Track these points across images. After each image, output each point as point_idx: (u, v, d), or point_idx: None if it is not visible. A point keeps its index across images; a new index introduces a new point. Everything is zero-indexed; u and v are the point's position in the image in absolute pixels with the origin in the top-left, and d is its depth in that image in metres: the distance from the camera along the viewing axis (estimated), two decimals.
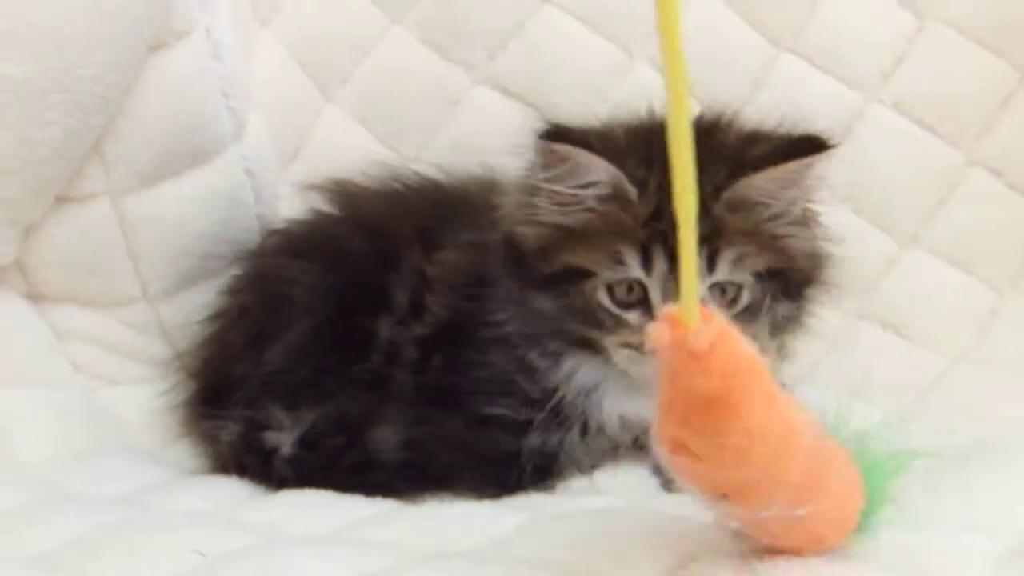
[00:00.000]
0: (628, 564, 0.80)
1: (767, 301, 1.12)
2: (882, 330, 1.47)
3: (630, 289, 1.09)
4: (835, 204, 1.24)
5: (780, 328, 1.15)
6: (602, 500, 1.07)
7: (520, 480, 1.13)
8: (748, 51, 1.52)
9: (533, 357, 1.14)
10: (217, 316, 1.26)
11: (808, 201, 1.13)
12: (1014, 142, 1.51)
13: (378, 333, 1.20)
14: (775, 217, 1.11)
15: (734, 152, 1.10)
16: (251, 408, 1.18)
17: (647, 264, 1.07)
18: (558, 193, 1.09)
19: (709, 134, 1.11)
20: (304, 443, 1.14)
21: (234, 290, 1.26)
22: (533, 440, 1.14)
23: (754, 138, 1.13)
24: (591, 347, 1.11)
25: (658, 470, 1.10)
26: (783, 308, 1.14)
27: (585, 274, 1.09)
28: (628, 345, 1.09)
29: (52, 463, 1.15)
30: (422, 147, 1.47)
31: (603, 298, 1.09)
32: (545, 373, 1.14)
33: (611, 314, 1.09)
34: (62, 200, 1.24)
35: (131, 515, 1.01)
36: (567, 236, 1.10)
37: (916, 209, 1.51)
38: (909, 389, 1.39)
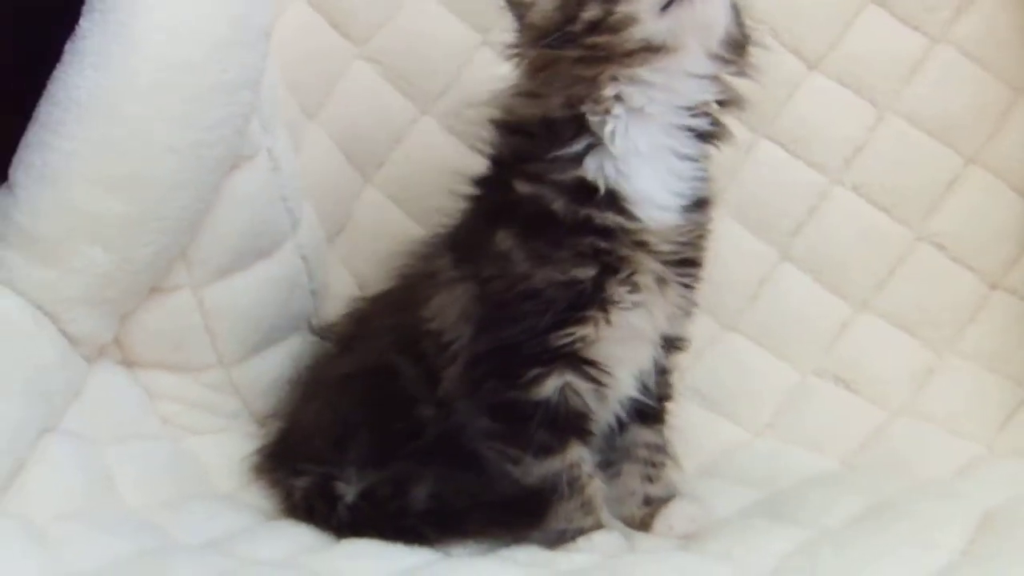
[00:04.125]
0: None
1: None
2: (835, 385, 1.82)
3: None
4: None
5: (743, 36, 1.47)
6: (585, 557, 1.40)
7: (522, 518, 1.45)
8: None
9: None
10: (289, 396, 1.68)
11: None
12: (957, 221, 1.86)
13: (422, 412, 1.53)
14: None
15: None
16: (326, 464, 1.53)
17: None
18: None
19: None
20: (364, 495, 1.49)
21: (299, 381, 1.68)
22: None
23: None
24: None
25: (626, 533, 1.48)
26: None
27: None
28: None
29: (152, 508, 1.50)
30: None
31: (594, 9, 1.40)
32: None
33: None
34: (153, 291, 1.60)
35: (228, 565, 1.36)
36: None
37: (869, 278, 1.86)
38: (852, 441, 1.75)
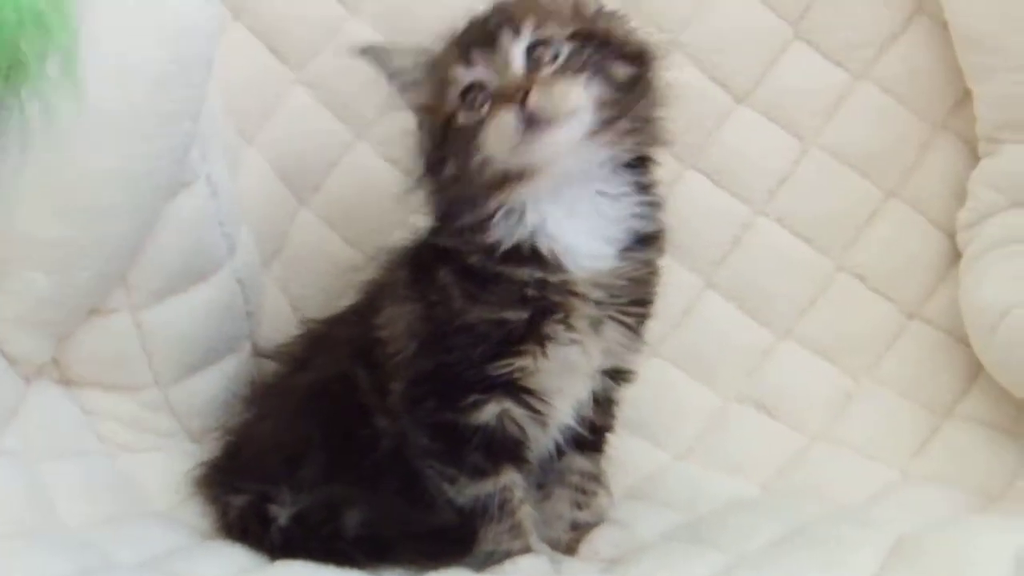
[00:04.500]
0: None
1: (591, 57, 1.42)
2: (756, 411, 1.88)
3: (476, 94, 1.44)
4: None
5: (627, 100, 1.46)
6: None
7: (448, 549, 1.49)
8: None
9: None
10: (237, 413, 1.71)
11: None
12: (877, 252, 1.93)
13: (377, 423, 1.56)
14: None
15: None
16: (263, 483, 1.56)
17: (468, 61, 1.45)
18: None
19: None
20: (296, 518, 1.52)
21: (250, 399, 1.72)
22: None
23: None
24: None
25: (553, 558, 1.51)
26: (621, 69, 1.46)
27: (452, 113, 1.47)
28: (492, 118, 1.41)
29: (90, 527, 1.53)
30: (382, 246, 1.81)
31: (461, 119, 1.45)
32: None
33: (475, 123, 1.43)
34: (92, 313, 1.64)
35: None
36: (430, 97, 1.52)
37: (791, 307, 1.93)
38: (772, 465, 1.80)
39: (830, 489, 1.75)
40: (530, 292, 1.46)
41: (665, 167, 1.86)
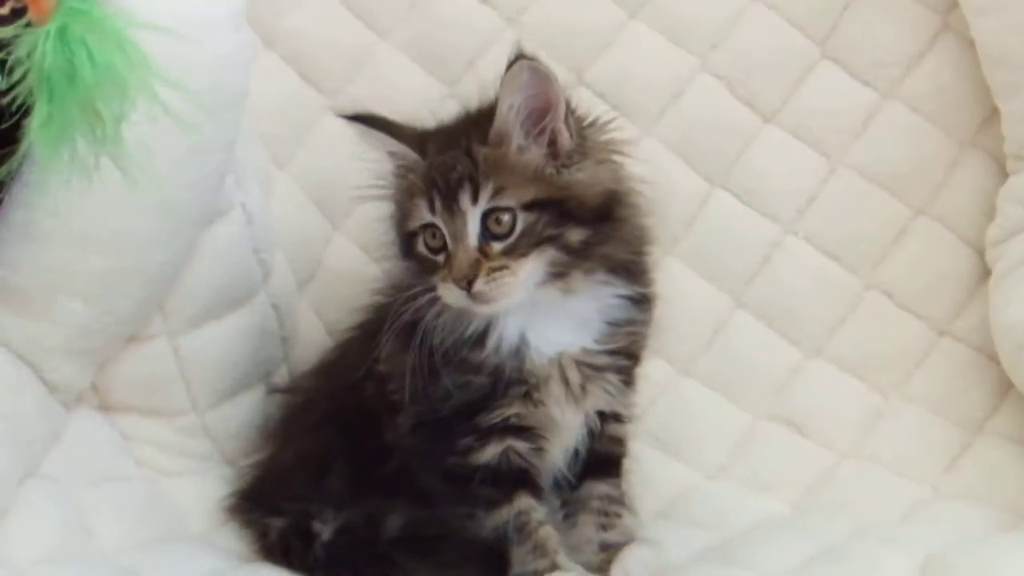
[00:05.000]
0: None
1: (545, 228, 1.44)
2: (786, 429, 1.88)
3: (433, 235, 1.48)
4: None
5: (583, 253, 1.47)
6: None
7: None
8: (687, 185, 1.96)
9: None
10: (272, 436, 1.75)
11: (567, 129, 1.47)
12: (905, 270, 1.94)
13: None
14: (529, 147, 1.45)
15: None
16: (304, 503, 1.60)
17: (432, 210, 1.47)
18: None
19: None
20: (340, 531, 1.57)
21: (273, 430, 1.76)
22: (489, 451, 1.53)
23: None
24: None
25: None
26: (575, 233, 1.46)
27: (413, 235, 1.50)
28: (444, 280, 1.46)
29: (128, 551, 1.56)
30: None
31: (421, 248, 1.49)
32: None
33: (430, 260, 1.49)
34: (131, 340, 1.67)
35: None
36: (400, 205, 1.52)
37: (820, 325, 1.94)
38: (802, 483, 1.80)
39: (860, 507, 1.75)
40: (488, 373, 1.52)
41: (693, 187, 1.93)
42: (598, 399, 1.58)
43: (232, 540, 1.69)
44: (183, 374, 1.74)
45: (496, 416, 1.53)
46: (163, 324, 1.71)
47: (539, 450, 1.58)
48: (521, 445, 1.56)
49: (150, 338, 1.70)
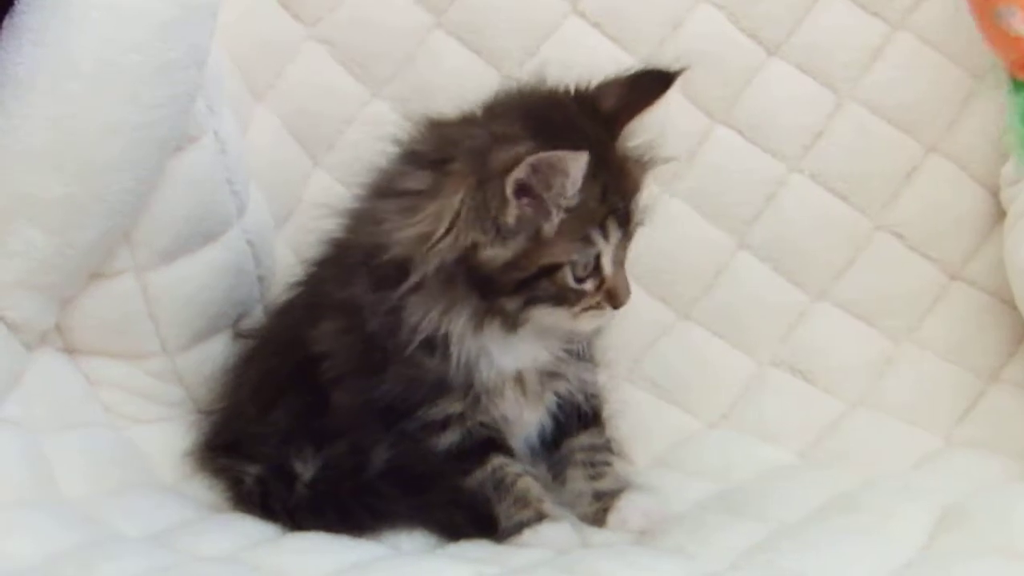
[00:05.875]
0: None
1: None
2: (792, 376, 1.84)
3: (586, 265, 1.42)
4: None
5: None
6: (536, 553, 1.41)
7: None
8: (687, 121, 1.88)
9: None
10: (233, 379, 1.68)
11: None
12: (916, 210, 1.88)
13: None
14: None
15: (612, 111, 1.45)
16: (280, 446, 1.55)
17: (605, 236, 1.41)
18: (541, 202, 1.36)
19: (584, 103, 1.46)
20: (324, 467, 1.52)
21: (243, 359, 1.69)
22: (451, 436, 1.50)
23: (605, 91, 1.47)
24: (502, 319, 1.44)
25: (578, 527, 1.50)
26: None
27: (556, 267, 1.40)
28: (589, 308, 1.43)
29: (92, 499, 1.50)
30: None
31: (569, 280, 1.41)
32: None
33: (574, 290, 1.42)
34: (95, 276, 1.60)
35: (170, 560, 1.36)
36: (540, 242, 1.38)
37: (827, 268, 1.88)
38: (810, 432, 1.77)
39: (870, 457, 1.72)
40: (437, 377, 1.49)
41: (694, 122, 1.88)
42: (559, 389, 1.55)
43: (202, 490, 1.63)
44: (152, 313, 1.66)
45: (438, 413, 1.50)
46: (130, 258, 1.63)
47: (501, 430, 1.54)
48: (482, 430, 1.52)
49: (117, 274, 1.63)
